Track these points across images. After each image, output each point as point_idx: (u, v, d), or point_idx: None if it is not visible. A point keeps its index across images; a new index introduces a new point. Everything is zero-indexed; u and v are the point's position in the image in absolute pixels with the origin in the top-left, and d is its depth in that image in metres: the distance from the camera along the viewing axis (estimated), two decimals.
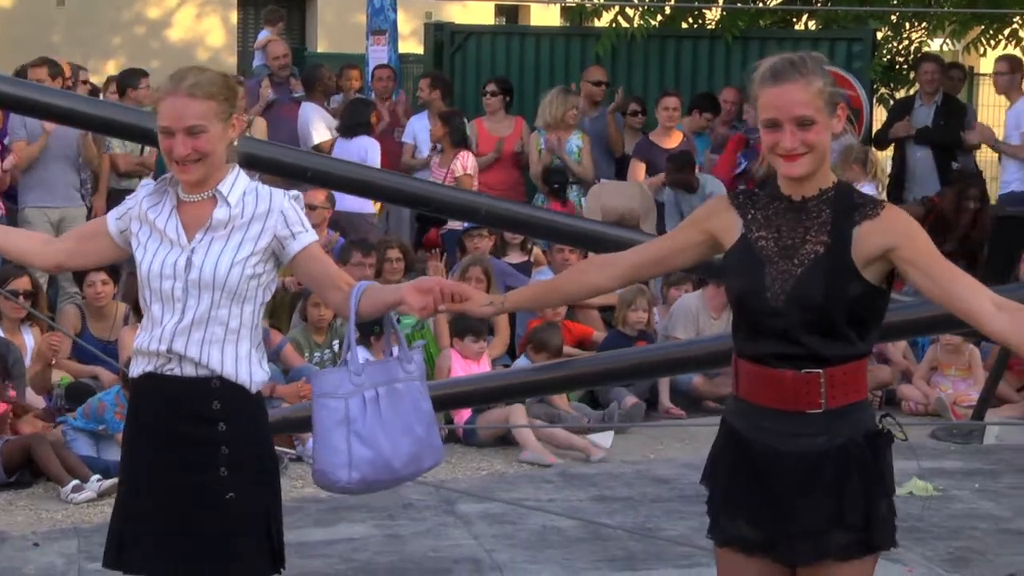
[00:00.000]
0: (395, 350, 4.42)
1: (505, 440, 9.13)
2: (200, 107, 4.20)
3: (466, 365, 9.42)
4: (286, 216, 4.34)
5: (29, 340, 9.27)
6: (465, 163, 11.72)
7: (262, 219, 4.31)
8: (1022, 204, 11.84)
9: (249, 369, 4.22)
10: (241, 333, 4.26)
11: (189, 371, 4.16)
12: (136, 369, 4.22)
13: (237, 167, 4.48)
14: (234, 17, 21.01)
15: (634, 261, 4.24)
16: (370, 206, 11.49)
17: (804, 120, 3.72)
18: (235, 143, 4.43)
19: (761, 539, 3.91)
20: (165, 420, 4.19)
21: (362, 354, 8.27)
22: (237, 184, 4.39)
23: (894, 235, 3.71)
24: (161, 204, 4.37)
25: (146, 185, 4.59)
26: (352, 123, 11.90)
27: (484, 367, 9.53)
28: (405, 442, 4.37)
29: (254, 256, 4.28)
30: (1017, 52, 14.39)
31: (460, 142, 11.78)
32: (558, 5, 16.06)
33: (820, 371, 3.74)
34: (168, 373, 4.16)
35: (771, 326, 3.78)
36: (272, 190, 4.48)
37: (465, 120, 12.34)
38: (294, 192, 4.54)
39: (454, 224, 11.16)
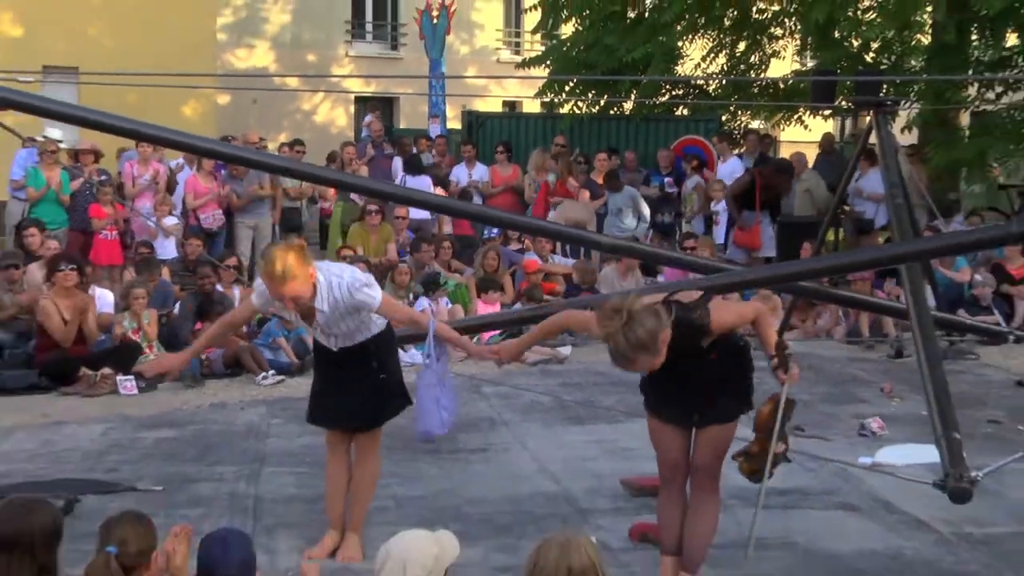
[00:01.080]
0: (442, 358, 5.83)
1: None
2: (288, 289, 5.13)
3: (486, 308, 11.48)
4: (357, 300, 5.38)
5: (238, 293, 10.89)
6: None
7: (346, 306, 5.38)
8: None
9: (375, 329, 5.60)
10: (367, 320, 5.57)
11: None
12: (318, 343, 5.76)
13: (320, 275, 5.30)
14: (352, 108, 24.17)
15: (583, 325, 5.43)
16: (428, 214, 13.80)
17: None
18: (313, 269, 5.24)
19: (671, 409, 5.12)
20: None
21: (425, 302, 11.01)
22: (320, 293, 5.30)
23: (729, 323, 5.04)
24: (280, 306, 5.50)
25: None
26: (415, 167, 14.52)
27: (496, 309, 11.48)
28: (454, 407, 5.93)
29: (351, 319, 5.49)
30: (800, 128, 18.21)
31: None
32: (538, 100, 18.81)
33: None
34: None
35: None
36: (345, 288, 5.33)
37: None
38: (359, 282, 5.40)
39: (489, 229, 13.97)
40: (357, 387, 5.59)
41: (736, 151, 16.61)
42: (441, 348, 5.80)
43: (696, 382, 4.97)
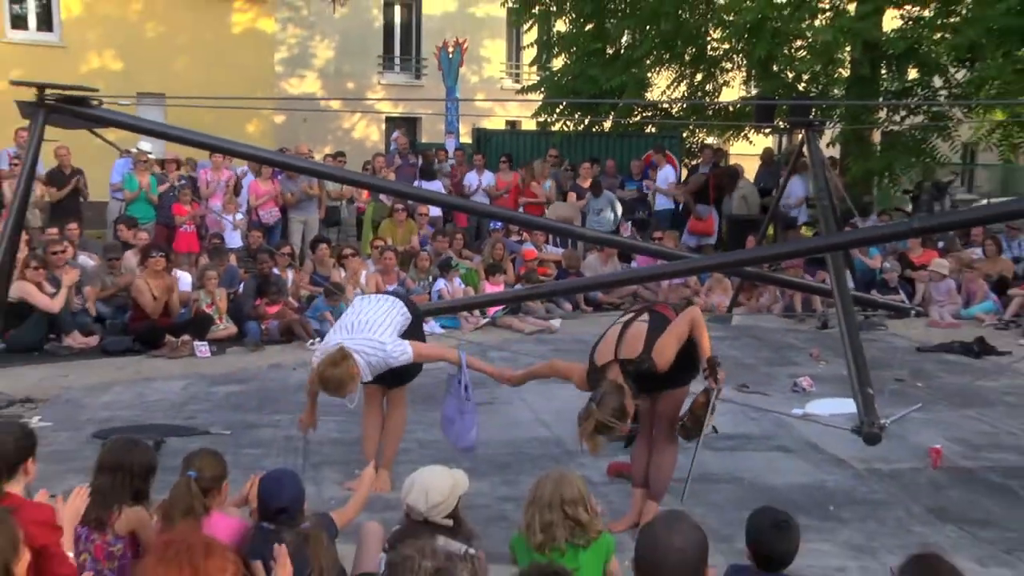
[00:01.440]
0: (468, 390, 5.69)
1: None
2: (344, 392, 5.32)
3: (491, 288, 11.46)
4: (395, 364, 5.41)
5: (291, 275, 11.05)
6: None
7: (385, 367, 5.43)
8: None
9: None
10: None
11: None
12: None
13: (360, 361, 5.29)
14: (383, 126, 24.17)
15: (567, 373, 5.48)
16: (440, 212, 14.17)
17: None
18: (355, 369, 5.26)
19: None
20: None
21: (442, 282, 11.20)
22: (364, 373, 5.36)
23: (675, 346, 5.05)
24: None
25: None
26: (429, 173, 14.59)
27: (500, 289, 11.47)
28: (475, 431, 5.81)
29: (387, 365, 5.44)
30: (746, 143, 18.20)
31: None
32: (535, 119, 18.81)
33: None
34: None
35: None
36: (381, 360, 5.35)
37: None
38: (394, 354, 5.37)
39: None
40: None
41: (694, 161, 16.77)
42: (470, 389, 5.69)
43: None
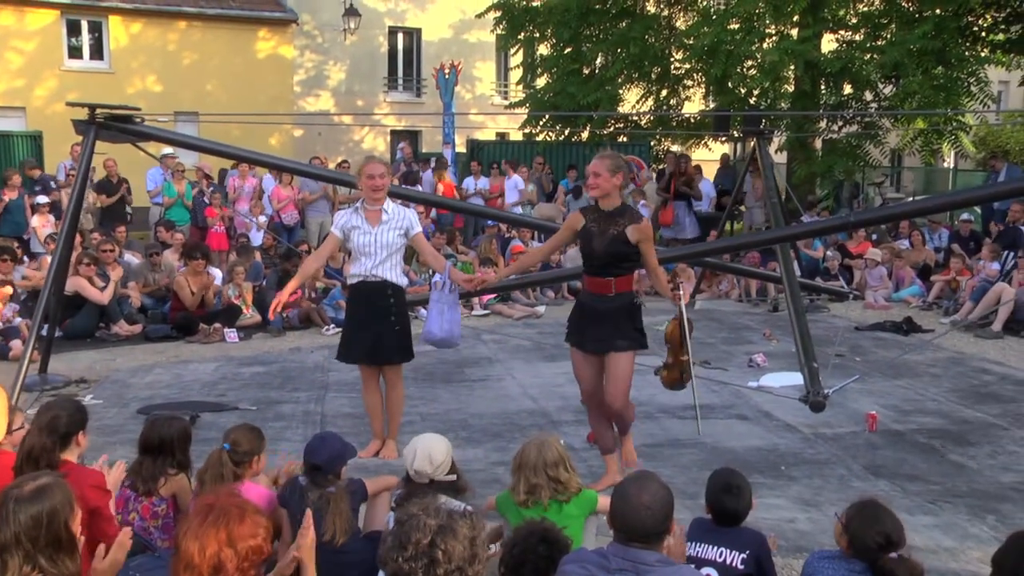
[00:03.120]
0: (451, 286, 5.46)
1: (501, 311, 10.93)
2: (384, 168, 5.46)
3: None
4: (411, 220, 5.44)
5: None
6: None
7: (401, 218, 5.42)
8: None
9: (398, 278, 5.47)
10: (397, 263, 5.42)
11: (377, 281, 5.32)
12: (352, 280, 5.51)
13: (389, 202, 5.46)
14: (388, 138, 23.84)
15: (551, 248, 5.69)
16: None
17: (597, 173, 4.74)
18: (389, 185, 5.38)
19: (587, 343, 4.94)
20: (366, 298, 5.42)
21: (438, 275, 11.17)
22: (388, 203, 5.44)
23: (641, 232, 4.73)
24: (353, 216, 5.43)
25: (343, 211, 5.60)
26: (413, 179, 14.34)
27: (491, 277, 11.75)
28: (456, 327, 5.50)
29: (398, 233, 5.39)
30: (706, 150, 18.34)
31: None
32: (521, 131, 18.64)
33: (612, 278, 4.79)
34: (370, 280, 5.37)
35: (596, 261, 4.84)
36: (407, 214, 5.46)
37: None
38: (416, 218, 5.51)
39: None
40: (377, 329, 5.36)
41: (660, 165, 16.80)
42: (452, 285, 5.43)
43: (603, 325, 4.78)
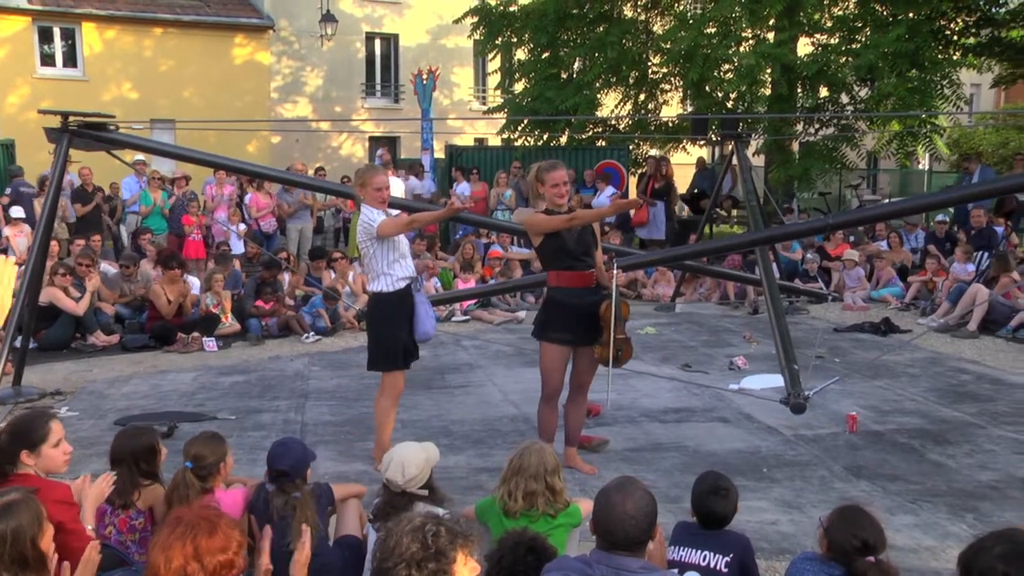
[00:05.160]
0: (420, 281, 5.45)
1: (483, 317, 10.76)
2: (387, 176, 5.42)
3: (463, 284, 11.15)
4: (365, 225, 5.19)
5: (287, 277, 10.67)
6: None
7: (364, 231, 5.23)
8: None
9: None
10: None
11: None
12: (403, 282, 5.26)
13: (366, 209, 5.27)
14: (367, 144, 23.73)
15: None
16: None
17: (565, 182, 5.06)
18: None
19: (580, 339, 5.13)
20: (405, 301, 5.30)
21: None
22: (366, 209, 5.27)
23: (598, 229, 5.13)
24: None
25: (378, 211, 5.23)
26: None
27: (471, 285, 11.20)
28: (431, 323, 5.47)
29: (367, 252, 5.25)
30: (684, 153, 18.29)
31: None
32: (499, 136, 18.58)
33: (591, 271, 5.07)
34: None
35: (572, 253, 5.05)
36: (364, 219, 5.23)
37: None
38: (367, 218, 5.20)
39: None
40: (410, 329, 5.37)
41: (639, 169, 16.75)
42: (420, 280, 5.50)
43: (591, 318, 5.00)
